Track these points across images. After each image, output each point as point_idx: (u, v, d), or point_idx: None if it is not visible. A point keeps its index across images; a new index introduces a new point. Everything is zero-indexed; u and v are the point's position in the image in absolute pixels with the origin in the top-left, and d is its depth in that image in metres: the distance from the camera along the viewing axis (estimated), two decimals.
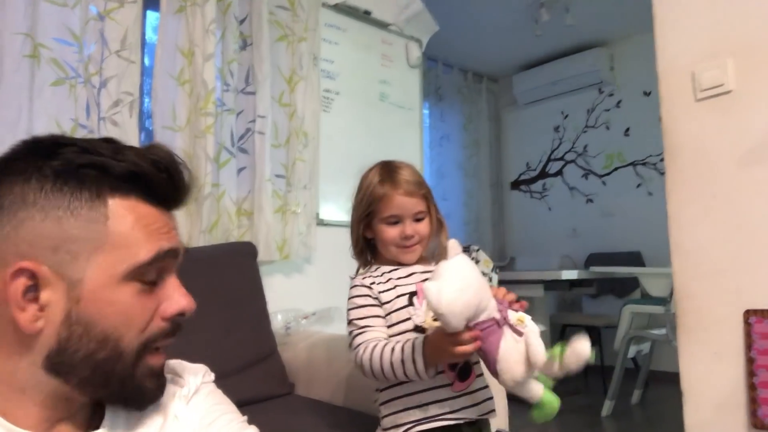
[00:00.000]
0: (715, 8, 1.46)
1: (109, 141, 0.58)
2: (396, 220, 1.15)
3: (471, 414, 1.08)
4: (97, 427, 0.59)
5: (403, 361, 1.00)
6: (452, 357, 0.98)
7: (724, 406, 1.37)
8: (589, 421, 2.84)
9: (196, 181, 0.64)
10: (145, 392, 0.59)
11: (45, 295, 0.53)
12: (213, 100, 1.88)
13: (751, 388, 1.35)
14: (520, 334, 0.92)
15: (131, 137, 1.71)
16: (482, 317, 0.92)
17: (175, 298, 0.59)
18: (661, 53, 1.56)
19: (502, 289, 1.01)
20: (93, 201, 0.55)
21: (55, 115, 1.61)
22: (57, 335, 0.54)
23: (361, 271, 1.22)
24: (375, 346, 1.04)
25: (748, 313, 1.36)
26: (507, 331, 0.92)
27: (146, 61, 1.99)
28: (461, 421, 1.07)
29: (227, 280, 1.62)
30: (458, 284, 0.89)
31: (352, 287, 1.17)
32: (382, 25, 2.64)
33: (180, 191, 0.60)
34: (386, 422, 1.10)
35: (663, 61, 1.56)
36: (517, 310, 0.96)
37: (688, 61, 1.50)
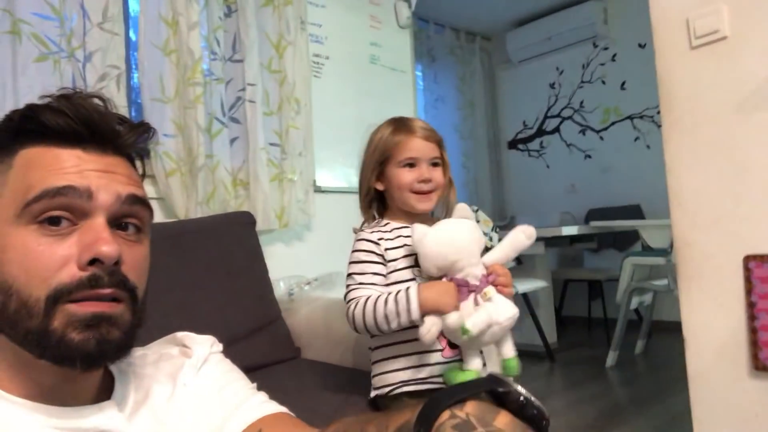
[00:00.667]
0: None
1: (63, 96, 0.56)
2: (412, 163, 1.14)
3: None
4: (108, 398, 0.59)
5: (398, 311, 0.99)
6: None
7: (725, 351, 1.39)
8: (593, 372, 2.89)
9: (110, 116, 0.58)
10: (70, 345, 0.51)
11: None
12: (200, 69, 1.85)
13: (752, 331, 1.37)
14: (477, 304, 0.98)
15: (121, 111, 1.68)
16: (458, 275, 0.99)
17: (89, 241, 0.52)
18: (654, 2, 1.53)
19: (500, 269, 1.02)
20: (2, 156, 0.55)
21: (40, 92, 1.58)
22: None
23: (367, 225, 1.19)
24: (368, 299, 1.04)
25: (747, 259, 1.37)
26: (471, 297, 0.98)
27: (132, 35, 1.95)
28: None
29: (227, 250, 1.62)
30: (443, 236, 1.00)
31: (358, 240, 1.13)
32: None
33: (86, 130, 0.55)
34: (377, 381, 1.11)
35: (656, 9, 1.53)
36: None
37: (681, 8, 1.47)
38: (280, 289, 1.86)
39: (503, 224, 4.55)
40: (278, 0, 2.14)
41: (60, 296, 0.51)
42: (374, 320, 1.01)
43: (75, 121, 0.54)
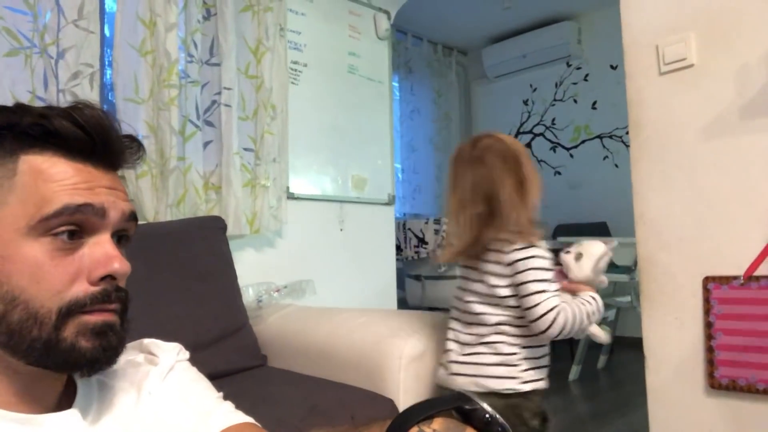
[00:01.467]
0: None
1: (50, 107, 0.55)
2: None
3: None
4: (70, 406, 0.58)
5: (595, 310, 1.28)
6: None
7: (683, 368, 1.43)
8: (556, 385, 2.93)
9: (119, 137, 0.58)
10: (80, 352, 0.53)
11: None
12: (176, 71, 1.83)
13: (709, 350, 1.41)
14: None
15: None
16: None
17: (101, 259, 0.54)
18: (626, 27, 1.58)
19: None
20: (4, 159, 0.53)
21: (10, 87, 1.55)
22: None
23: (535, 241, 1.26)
24: (572, 308, 1.22)
25: (707, 280, 1.41)
26: None
27: (107, 33, 1.92)
28: None
29: (197, 254, 1.60)
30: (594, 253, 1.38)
31: (539, 255, 1.23)
32: None
33: (101, 140, 0.55)
34: (525, 375, 1.24)
35: (628, 35, 1.58)
36: None
37: (652, 35, 1.52)
38: (248, 295, 1.85)
39: None
40: (258, 6, 2.13)
41: (72, 310, 0.52)
42: (582, 322, 1.24)
43: (90, 134, 0.54)
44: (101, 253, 0.54)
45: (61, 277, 0.52)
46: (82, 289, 0.53)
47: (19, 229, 0.51)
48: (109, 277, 0.54)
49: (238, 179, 2.01)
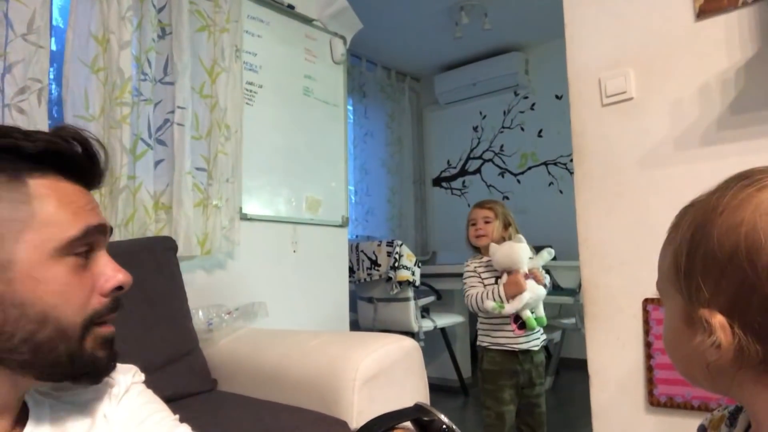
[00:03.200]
0: (618, 22, 1.58)
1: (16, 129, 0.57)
2: (473, 222, 2.15)
3: (523, 346, 1.99)
4: (22, 430, 0.57)
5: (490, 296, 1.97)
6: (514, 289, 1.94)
7: (625, 387, 1.49)
8: None
9: (108, 159, 0.63)
10: (98, 362, 0.58)
11: None
12: (129, 89, 1.80)
13: (649, 369, 1.48)
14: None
15: (40, 126, 1.61)
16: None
17: (111, 273, 0.59)
18: (571, 61, 1.67)
19: (536, 270, 2.02)
20: (12, 183, 0.54)
21: None
22: None
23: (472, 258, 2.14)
24: (477, 293, 2.00)
25: (646, 302, 1.49)
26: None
27: (53, 47, 1.88)
28: (516, 349, 1.99)
29: (145, 275, 1.56)
30: (505, 250, 1.98)
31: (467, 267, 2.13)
32: (306, 20, 2.63)
33: (96, 166, 0.61)
34: (479, 340, 2.08)
35: (573, 68, 1.66)
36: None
37: (595, 69, 1.61)
38: (198, 318, 1.81)
39: (425, 259, 4.65)
40: (214, 26, 2.14)
41: (93, 320, 0.57)
42: (477, 301, 2.00)
43: (92, 158, 0.60)
44: (110, 267, 0.60)
45: (84, 292, 0.57)
46: (98, 301, 0.58)
47: (47, 252, 0.54)
48: (117, 288, 0.60)
49: (190, 199, 1.98)
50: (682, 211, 0.54)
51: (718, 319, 0.46)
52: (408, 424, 0.54)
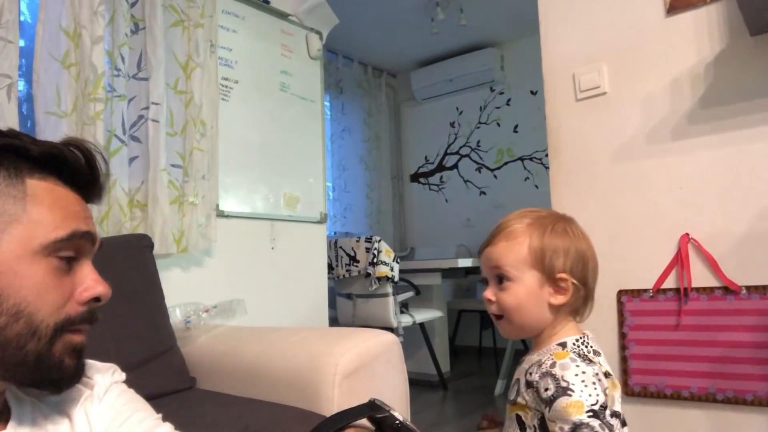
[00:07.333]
0: (591, 18, 1.60)
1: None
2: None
3: None
4: (3, 428, 0.57)
5: None
6: None
7: None
8: (483, 399, 3.01)
9: (108, 173, 0.65)
10: (64, 369, 0.58)
11: None
12: (103, 85, 1.77)
13: (623, 360, 1.51)
14: None
15: (10, 122, 1.58)
16: None
17: (91, 283, 0.60)
18: (545, 56, 1.69)
19: None
20: (11, 179, 0.56)
21: None
22: None
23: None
24: None
25: (620, 293, 1.52)
26: None
27: (21, 43, 1.83)
28: None
29: (122, 273, 1.54)
30: None
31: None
32: (282, 15, 2.61)
33: (96, 177, 0.63)
34: None
35: (547, 63, 1.69)
36: None
37: (569, 64, 1.64)
38: (176, 316, 1.79)
39: (404, 255, 4.67)
40: (188, 21, 2.11)
41: (65, 325, 0.57)
42: None
43: (92, 168, 0.62)
44: (91, 277, 0.60)
45: (62, 295, 0.57)
46: (73, 308, 0.58)
47: (33, 248, 0.55)
48: (93, 300, 0.60)
49: (165, 196, 1.96)
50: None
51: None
52: (364, 421, 0.55)
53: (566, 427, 0.74)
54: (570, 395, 0.76)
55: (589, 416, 0.74)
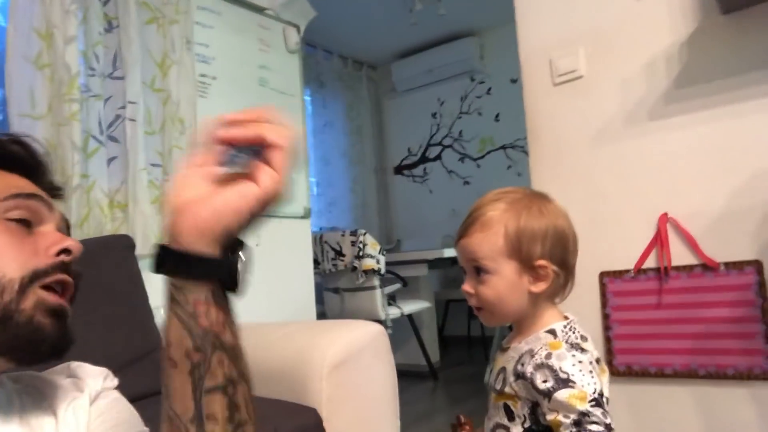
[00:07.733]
0: (566, 1, 1.61)
1: None
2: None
3: None
4: None
5: None
6: None
7: None
8: (473, 387, 3.03)
9: (49, 155, 0.67)
10: (38, 328, 0.54)
11: None
12: (77, 85, 1.75)
13: (607, 340, 1.53)
14: None
15: None
16: None
17: (57, 238, 0.59)
18: (522, 42, 1.69)
19: None
20: None
21: None
22: None
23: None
24: None
25: (603, 275, 1.53)
26: None
27: None
28: None
29: (105, 275, 1.53)
30: None
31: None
32: (258, 9, 2.59)
33: (35, 157, 0.63)
34: None
35: (524, 49, 1.69)
36: None
37: (545, 48, 1.64)
38: (161, 315, 1.78)
39: (390, 248, 4.67)
40: (163, 18, 2.09)
41: (36, 278, 0.55)
42: None
43: (28, 153, 0.62)
44: (57, 235, 0.59)
45: (22, 252, 0.56)
46: (41, 261, 0.56)
47: None
48: (65, 253, 0.58)
49: (146, 196, 1.94)
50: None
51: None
52: None
53: (571, 416, 0.75)
54: (572, 387, 0.76)
55: (591, 405, 0.75)
